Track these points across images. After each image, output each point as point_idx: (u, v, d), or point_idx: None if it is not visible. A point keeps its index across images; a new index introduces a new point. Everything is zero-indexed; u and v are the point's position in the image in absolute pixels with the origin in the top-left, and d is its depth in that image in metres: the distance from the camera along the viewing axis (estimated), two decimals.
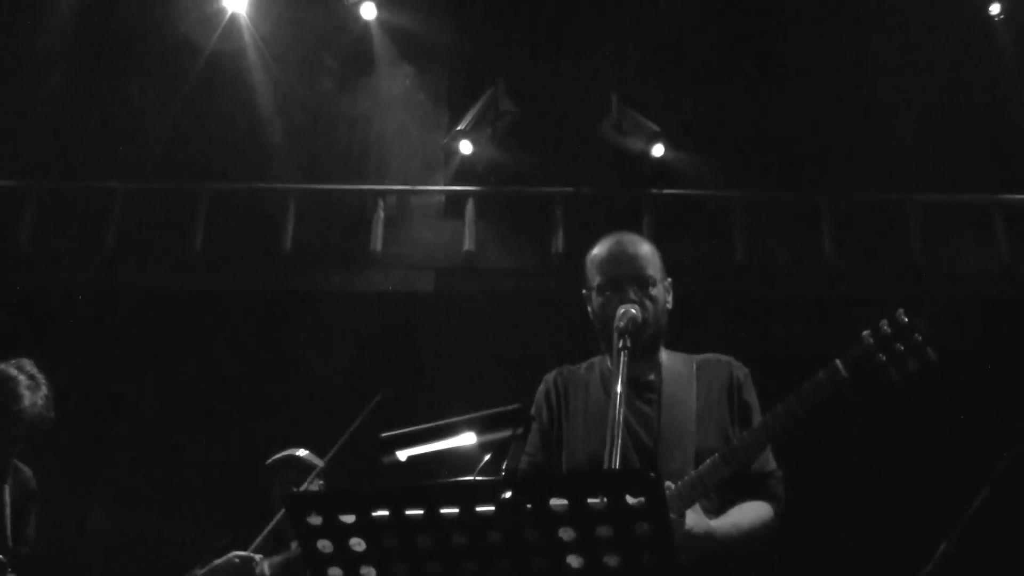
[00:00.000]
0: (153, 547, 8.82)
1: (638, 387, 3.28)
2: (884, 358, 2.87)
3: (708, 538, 2.91)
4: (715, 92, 11.02)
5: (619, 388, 2.73)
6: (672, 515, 2.83)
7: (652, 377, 3.32)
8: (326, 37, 11.62)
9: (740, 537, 3.02)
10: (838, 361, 2.93)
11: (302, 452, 5.57)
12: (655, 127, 10.85)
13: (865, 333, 2.93)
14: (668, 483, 2.95)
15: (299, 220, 10.50)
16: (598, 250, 3.38)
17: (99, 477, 9.33)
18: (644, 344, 3.22)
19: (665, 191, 10.81)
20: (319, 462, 5.49)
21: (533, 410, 3.41)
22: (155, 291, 10.01)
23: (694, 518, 2.90)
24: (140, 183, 10.60)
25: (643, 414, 3.23)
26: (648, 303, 3.22)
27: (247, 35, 11.14)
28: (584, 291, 3.40)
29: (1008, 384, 8.31)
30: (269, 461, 5.59)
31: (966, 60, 11.14)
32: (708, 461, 2.99)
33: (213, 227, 10.43)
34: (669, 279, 3.39)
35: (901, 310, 2.91)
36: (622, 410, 2.68)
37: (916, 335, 2.86)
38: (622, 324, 3.01)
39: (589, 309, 3.37)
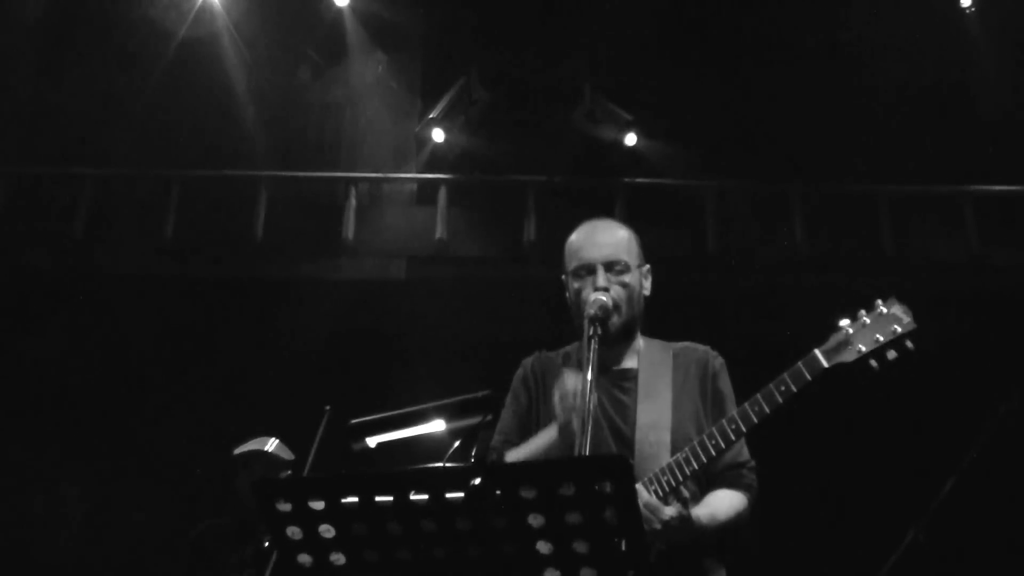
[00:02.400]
0: (124, 529, 8.82)
1: (615, 375, 3.28)
2: (863, 348, 2.86)
3: (688, 527, 2.92)
4: (688, 82, 11.04)
5: (589, 376, 2.72)
6: (651, 498, 2.87)
7: (629, 364, 3.32)
8: (299, 24, 11.55)
9: (716, 527, 3.03)
10: (817, 351, 2.90)
11: (271, 446, 5.24)
12: (628, 116, 10.87)
13: (844, 322, 2.91)
14: (644, 482, 2.96)
15: (271, 207, 10.45)
16: (575, 235, 3.36)
17: (72, 461, 9.28)
18: (617, 330, 3.20)
19: (637, 180, 10.84)
20: (288, 455, 5.25)
21: (510, 394, 3.41)
22: (126, 277, 9.94)
23: (675, 509, 2.90)
24: (111, 169, 10.52)
25: (620, 402, 3.23)
26: (620, 288, 3.21)
27: (219, 21, 11.06)
28: (563, 276, 3.38)
29: (977, 374, 8.36)
30: (237, 451, 5.28)
31: (937, 51, 11.20)
32: (685, 449, 3.00)
33: (184, 214, 10.37)
34: (647, 266, 3.37)
35: (879, 300, 2.89)
36: (593, 397, 2.68)
37: (895, 326, 2.84)
38: (592, 311, 3.00)
39: (566, 294, 3.36)
